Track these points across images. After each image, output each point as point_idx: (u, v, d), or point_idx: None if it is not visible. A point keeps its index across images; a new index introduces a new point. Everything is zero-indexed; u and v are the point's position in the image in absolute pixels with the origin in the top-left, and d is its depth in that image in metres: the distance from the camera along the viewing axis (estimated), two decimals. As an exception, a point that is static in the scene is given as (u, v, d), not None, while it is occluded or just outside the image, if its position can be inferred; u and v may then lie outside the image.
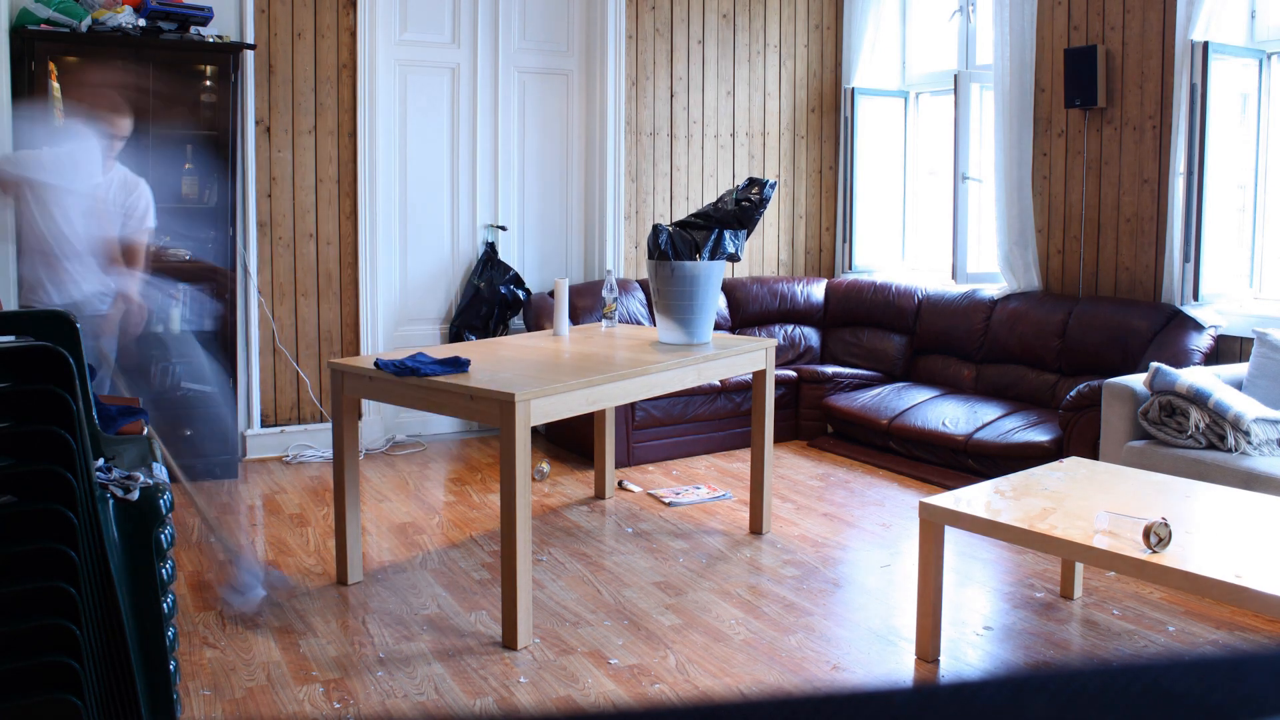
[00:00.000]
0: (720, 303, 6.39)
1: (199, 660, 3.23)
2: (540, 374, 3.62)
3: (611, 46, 6.28)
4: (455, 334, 5.98)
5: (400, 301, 5.99)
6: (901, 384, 5.92)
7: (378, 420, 5.85)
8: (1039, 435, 4.83)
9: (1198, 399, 4.00)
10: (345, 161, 5.67)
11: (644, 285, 6.17)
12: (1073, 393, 4.65)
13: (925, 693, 0.46)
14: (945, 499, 3.27)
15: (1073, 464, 3.67)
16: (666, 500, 4.89)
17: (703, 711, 0.45)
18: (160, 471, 2.77)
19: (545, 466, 5.29)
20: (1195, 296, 4.99)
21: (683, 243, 4.08)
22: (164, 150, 5.08)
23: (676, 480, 5.25)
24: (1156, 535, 2.77)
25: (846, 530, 4.46)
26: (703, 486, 5.09)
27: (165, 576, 2.52)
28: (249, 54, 5.33)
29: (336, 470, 3.86)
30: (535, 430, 5.81)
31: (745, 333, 6.31)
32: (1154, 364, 4.20)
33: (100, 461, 2.55)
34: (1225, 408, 3.94)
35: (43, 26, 4.68)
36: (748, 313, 6.45)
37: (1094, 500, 3.23)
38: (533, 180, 6.33)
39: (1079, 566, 3.67)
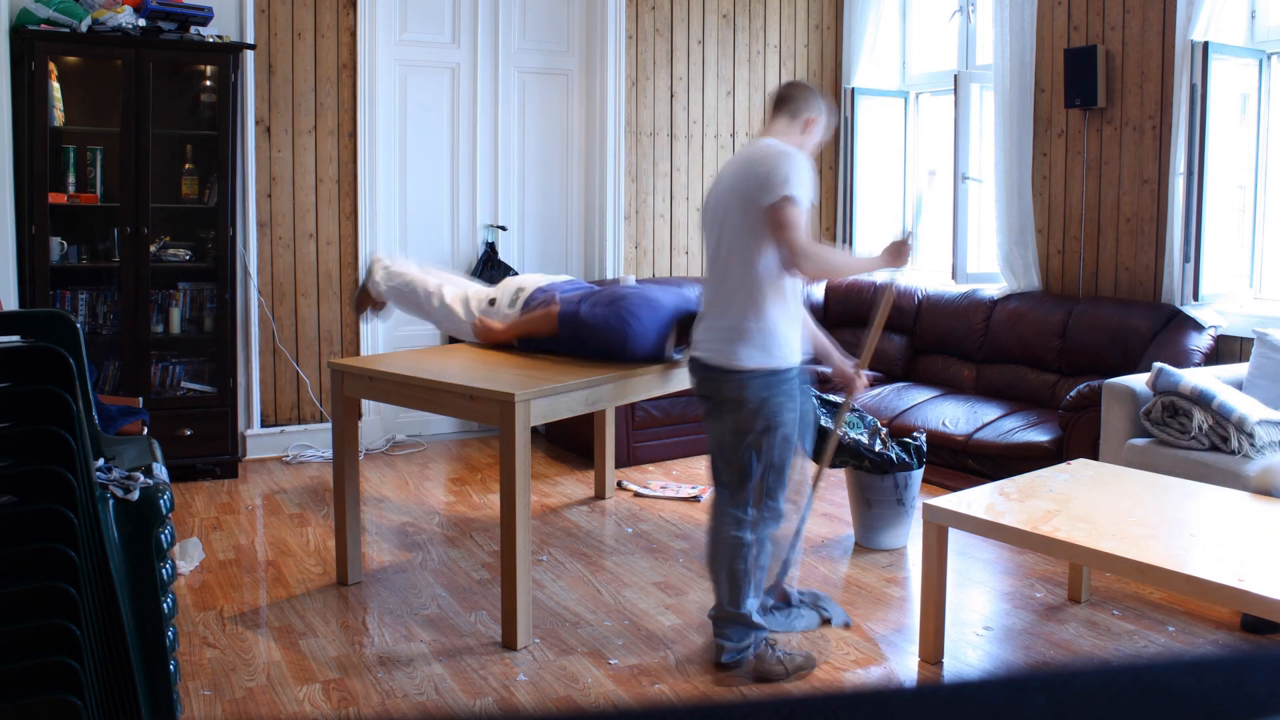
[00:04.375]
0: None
1: (199, 660, 3.23)
2: (540, 374, 3.62)
3: (611, 46, 6.28)
4: (455, 334, 5.97)
5: (400, 301, 5.99)
6: (901, 384, 5.92)
7: (378, 420, 5.85)
8: (1039, 435, 4.83)
9: (1201, 400, 3.99)
10: (345, 161, 5.67)
11: (642, 283, 6.16)
12: (1073, 393, 4.64)
13: (925, 693, 0.46)
14: (949, 500, 3.27)
15: (1078, 466, 3.66)
16: (634, 490, 5.03)
17: (703, 711, 0.45)
18: (160, 471, 2.77)
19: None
20: (1195, 296, 4.99)
21: None
22: (164, 150, 5.08)
23: (676, 480, 5.25)
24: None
25: (846, 530, 4.46)
26: (689, 486, 5.09)
27: (165, 577, 2.52)
28: (249, 54, 5.33)
29: (336, 470, 3.85)
30: (535, 430, 5.81)
31: (745, 333, 6.29)
32: (1157, 364, 4.20)
33: (100, 461, 2.55)
34: (1229, 410, 3.93)
35: (43, 26, 4.68)
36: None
37: (1099, 503, 3.23)
38: (533, 180, 6.33)
39: (1086, 570, 3.66)
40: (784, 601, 3.50)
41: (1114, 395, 4.30)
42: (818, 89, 3.35)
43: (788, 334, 3.13)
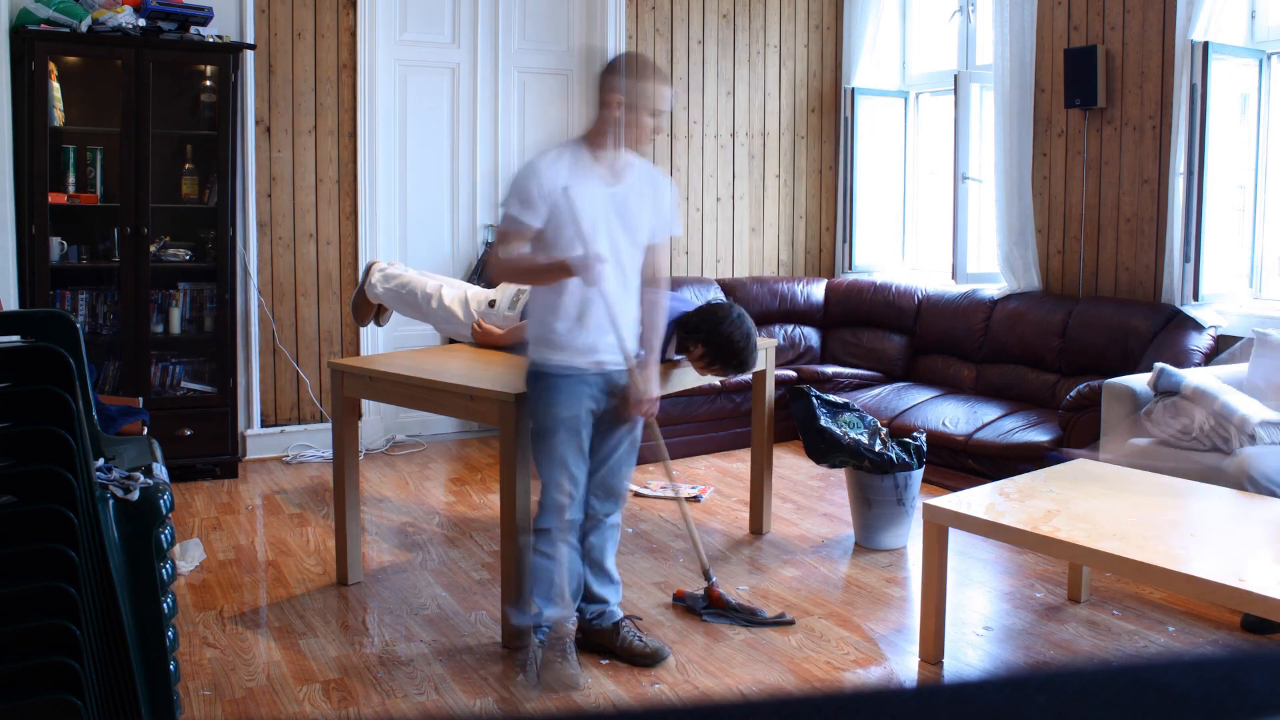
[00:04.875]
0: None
1: (199, 660, 3.23)
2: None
3: (611, 46, 6.28)
4: (455, 334, 5.97)
5: (400, 301, 5.99)
6: (901, 384, 5.92)
7: (378, 420, 5.85)
8: (1039, 435, 4.83)
9: (1203, 400, 3.99)
10: (345, 161, 5.67)
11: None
12: (1073, 393, 4.65)
13: (925, 693, 0.46)
14: (950, 500, 3.26)
15: (1078, 466, 3.66)
16: (635, 490, 5.02)
17: (703, 711, 0.45)
18: (160, 471, 2.77)
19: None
20: (1195, 296, 4.99)
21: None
22: (164, 150, 5.08)
23: (676, 480, 5.24)
24: None
25: (846, 530, 4.46)
26: (690, 486, 5.09)
27: (165, 577, 2.52)
28: (249, 54, 5.33)
29: (336, 470, 3.85)
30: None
31: (745, 333, 6.30)
32: (1158, 364, 4.20)
33: (100, 461, 2.55)
34: (1231, 410, 3.93)
35: (43, 26, 4.68)
36: (747, 312, 6.44)
37: (1099, 503, 3.23)
38: (533, 180, 6.32)
39: (1085, 570, 3.66)
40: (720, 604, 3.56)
41: (1114, 395, 4.30)
42: (620, 57, 3.16)
43: (552, 333, 3.09)
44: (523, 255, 3.06)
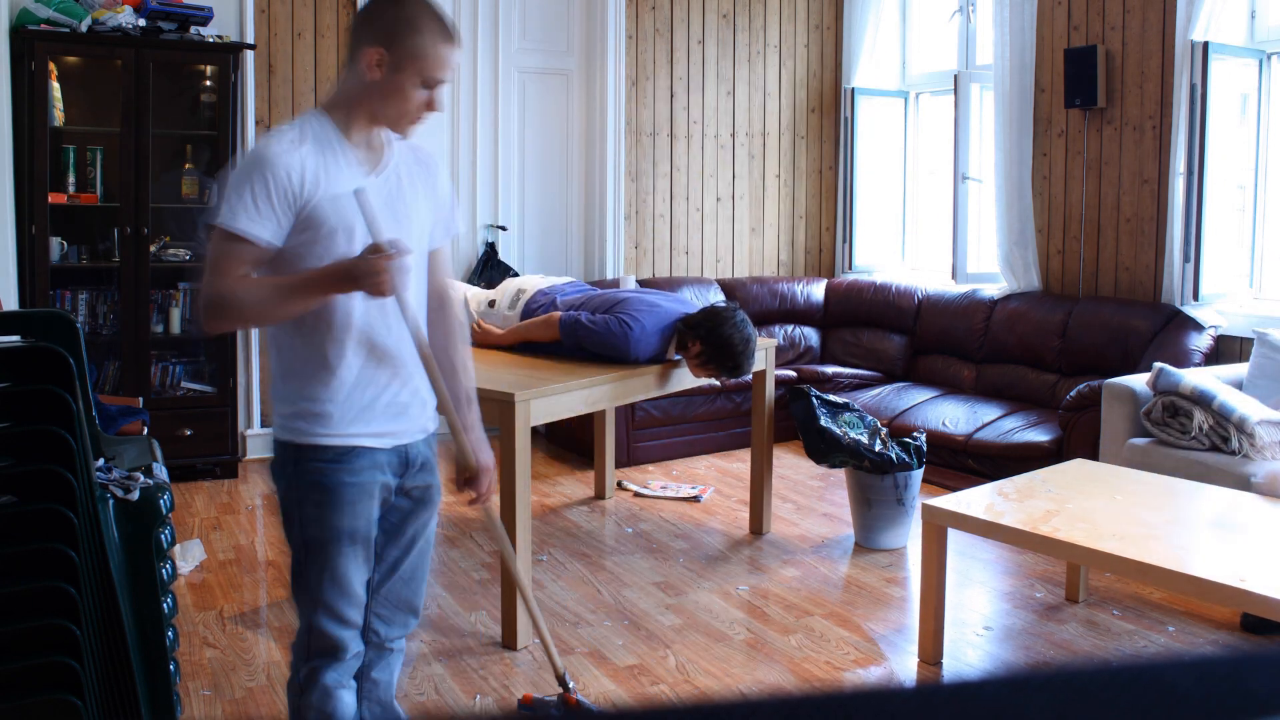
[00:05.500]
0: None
1: (199, 660, 3.23)
2: (540, 374, 3.62)
3: (611, 46, 6.28)
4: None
5: (400, 301, 5.98)
6: (901, 384, 5.92)
7: (378, 420, 5.85)
8: (1039, 435, 4.83)
9: (1202, 400, 3.99)
10: (345, 161, 5.66)
11: (643, 285, 6.17)
12: (1073, 393, 4.64)
13: (925, 693, 0.46)
14: (949, 501, 3.27)
15: (1077, 466, 3.66)
16: (634, 490, 5.05)
17: (703, 711, 0.45)
18: (160, 471, 2.77)
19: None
20: (1195, 296, 4.99)
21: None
22: (164, 150, 5.08)
23: (676, 480, 5.25)
24: None
25: (846, 530, 4.46)
26: (689, 486, 5.09)
27: (165, 577, 2.52)
28: (249, 54, 5.33)
29: (336, 470, 3.84)
30: (535, 430, 5.81)
31: (745, 333, 6.30)
32: (1158, 364, 4.20)
33: (100, 461, 2.55)
34: (1230, 410, 3.93)
35: (43, 26, 4.68)
36: (747, 312, 6.44)
37: (1098, 503, 3.23)
38: (533, 180, 6.32)
39: (1083, 569, 3.66)
40: None
41: (1114, 395, 4.30)
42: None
43: (323, 394, 2.10)
44: (252, 280, 1.99)
